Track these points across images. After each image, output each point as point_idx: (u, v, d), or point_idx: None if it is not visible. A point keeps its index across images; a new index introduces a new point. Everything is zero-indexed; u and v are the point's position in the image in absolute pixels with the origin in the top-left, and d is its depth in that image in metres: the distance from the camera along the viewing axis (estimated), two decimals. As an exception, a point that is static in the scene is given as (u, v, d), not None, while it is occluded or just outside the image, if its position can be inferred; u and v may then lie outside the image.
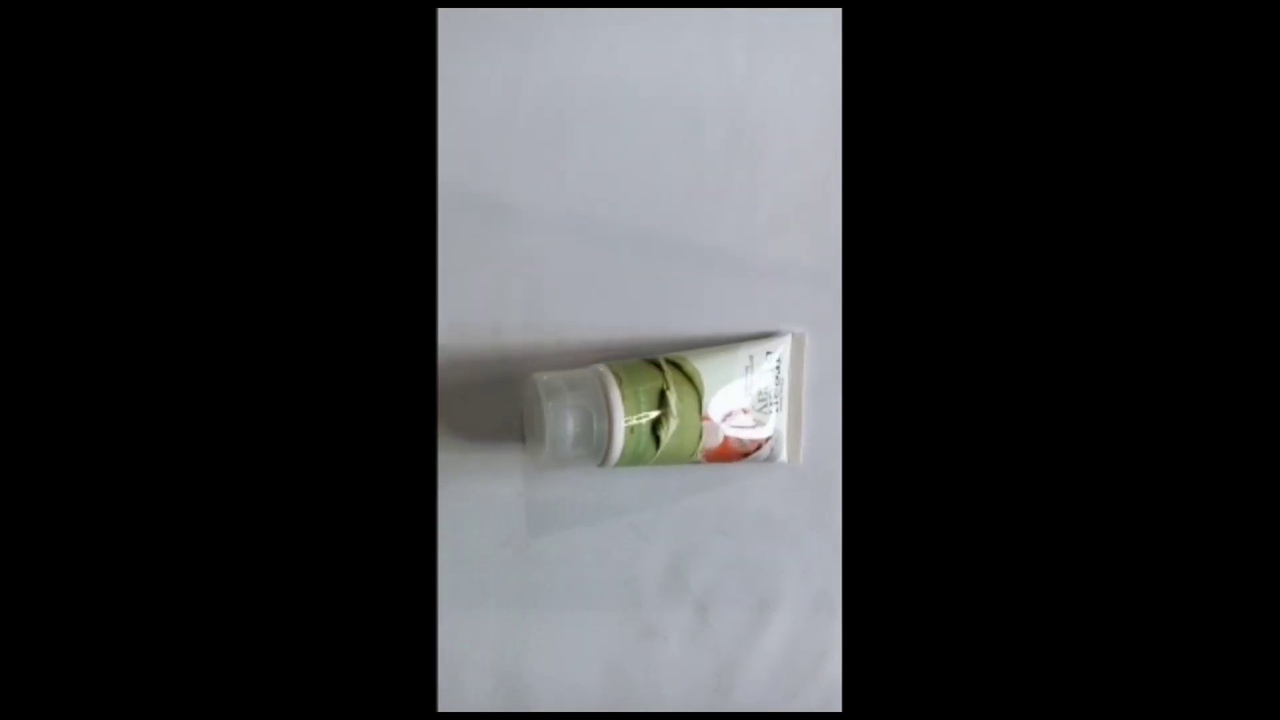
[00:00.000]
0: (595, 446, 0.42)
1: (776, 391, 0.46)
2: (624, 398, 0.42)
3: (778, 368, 0.46)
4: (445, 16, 0.41)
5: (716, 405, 0.44)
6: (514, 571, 0.46)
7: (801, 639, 0.49)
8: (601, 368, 0.43)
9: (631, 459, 0.43)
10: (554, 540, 0.47)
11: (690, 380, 0.44)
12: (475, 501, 0.46)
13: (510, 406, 0.45)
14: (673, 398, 0.43)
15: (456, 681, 0.47)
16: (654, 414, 0.43)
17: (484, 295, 0.45)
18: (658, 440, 0.43)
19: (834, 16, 0.44)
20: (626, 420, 0.42)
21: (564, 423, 0.41)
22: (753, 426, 0.45)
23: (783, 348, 0.46)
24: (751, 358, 0.46)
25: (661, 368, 0.44)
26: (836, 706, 0.49)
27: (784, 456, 0.47)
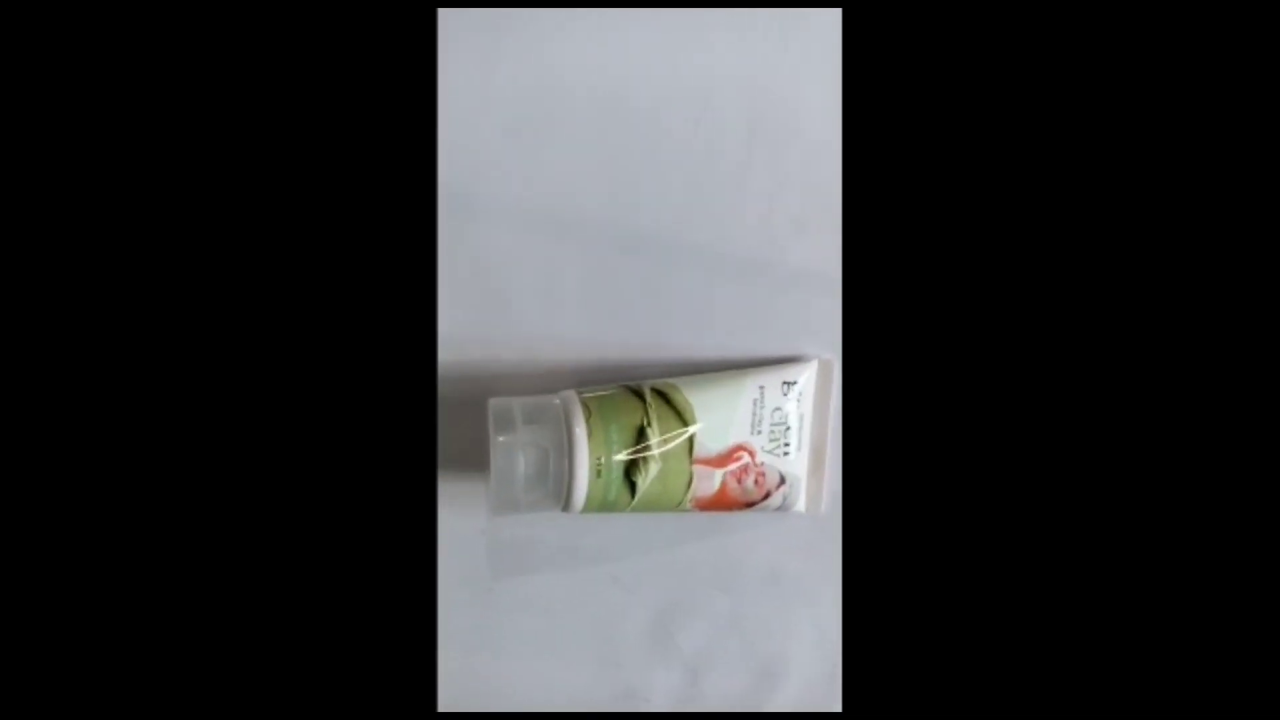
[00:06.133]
0: (553, 490, 0.35)
1: (796, 429, 0.38)
2: (591, 434, 0.35)
3: (799, 400, 0.38)
4: (445, 16, 0.36)
5: (713, 445, 0.37)
6: (470, 615, 0.40)
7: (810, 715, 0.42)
8: (569, 394, 0.36)
9: (600, 506, 0.36)
10: (519, 585, 0.40)
11: (679, 414, 0.36)
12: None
13: (475, 430, 0.38)
14: (653, 436, 0.36)
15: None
16: (629, 455, 0.36)
17: (449, 305, 0.38)
18: (633, 487, 0.36)
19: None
20: (594, 461, 0.35)
21: (513, 461, 0.35)
22: (761, 471, 0.38)
23: (806, 375, 0.39)
24: (763, 388, 0.38)
25: (644, 398, 0.36)
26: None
27: (801, 506, 0.39)
